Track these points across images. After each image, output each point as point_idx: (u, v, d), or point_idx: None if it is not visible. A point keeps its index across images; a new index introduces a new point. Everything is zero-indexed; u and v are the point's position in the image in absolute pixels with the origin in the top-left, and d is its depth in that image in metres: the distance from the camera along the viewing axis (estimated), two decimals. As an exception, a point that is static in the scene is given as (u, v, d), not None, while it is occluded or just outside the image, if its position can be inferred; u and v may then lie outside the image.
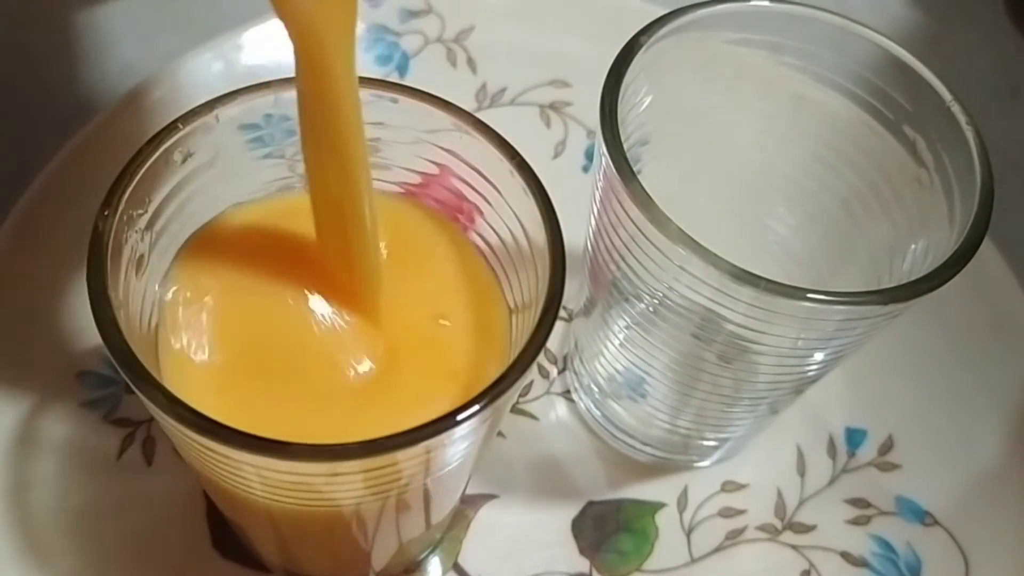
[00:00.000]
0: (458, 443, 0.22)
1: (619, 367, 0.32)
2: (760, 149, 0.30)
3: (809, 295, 0.24)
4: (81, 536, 0.30)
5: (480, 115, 0.26)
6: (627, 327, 0.30)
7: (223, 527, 0.31)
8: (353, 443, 0.20)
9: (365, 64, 0.41)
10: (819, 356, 0.27)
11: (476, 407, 0.20)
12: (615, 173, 0.25)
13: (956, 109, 0.27)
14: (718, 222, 0.28)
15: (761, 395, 0.30)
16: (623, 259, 0.27)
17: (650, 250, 0.25)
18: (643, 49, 0.27)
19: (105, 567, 0.30)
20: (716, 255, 0.24)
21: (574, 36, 0.42)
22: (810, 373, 0.28)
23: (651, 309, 0.28)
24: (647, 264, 0.26)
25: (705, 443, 0.34)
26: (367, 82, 0.26)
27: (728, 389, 0.30)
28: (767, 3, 0.28)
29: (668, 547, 0.33)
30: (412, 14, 0.43)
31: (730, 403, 0.30)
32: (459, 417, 0.20)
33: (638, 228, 0.25)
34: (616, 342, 0.31)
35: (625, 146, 0.25)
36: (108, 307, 0.21)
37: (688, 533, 0.33)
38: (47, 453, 0.32)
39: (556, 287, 0.23)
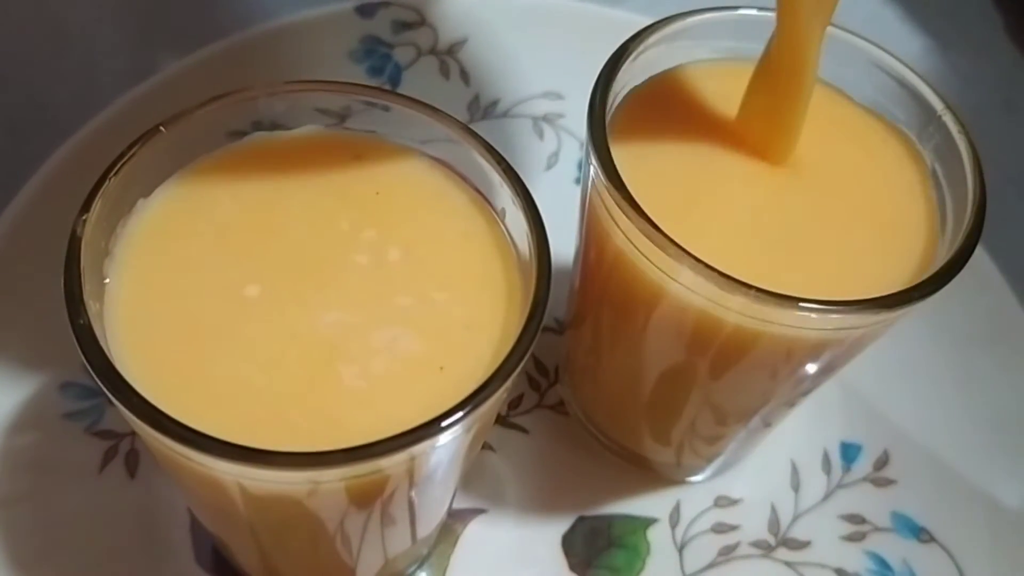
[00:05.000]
0: (440, 451, 0.22)
1: (610, 379, 0.32)
2: (751, 158, 0.30)
3: (800, 303, 0.23)
4: (62, 549, 0.30)
5: (473, 127, 0.26)
6: (617, 339, 0.30)
7: (206, 541, 0.31)
8: (335, 450, 0.19)
9: (357, 76, 0.41)
10: (811, 366, 0.27)
11: (460, 414, 0.20)
12: (604, 180, 0.25)
13: (948, 118, 0.27)
14: (708, 231, 0.28)
15: (754, 407, 0.29)
16: (612, 269, 0.27)
17: (639, 259, 0.25)
18: (632, 56, 0.26)
19: (86, 581, 0.30)
20: (706, 264, 0.23)
21: (567, 49, 0.42)
22: (802, 384, 0.28)
23: (641, 320, 0.28)
24: (636, 274, 0.26)
25: (698, 457, 0.33)
26: (359, 88, 0.26)
27: (721, 401, 0.29)
28: (758, 12, 0.28)
29: (660, 563, 0.32)
30: (405, 26, 0.43)
31: (723, 416, 0.30)
32: (443, 423, 0.20)
33: (627, 237, 0.25)
34: (607, 354, 0.31)
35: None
36: (85, 314, 0.21)
37: (680, 549, 0.32)
38: (28, 465, 0.31)
39: (541, 294, 0.22)
